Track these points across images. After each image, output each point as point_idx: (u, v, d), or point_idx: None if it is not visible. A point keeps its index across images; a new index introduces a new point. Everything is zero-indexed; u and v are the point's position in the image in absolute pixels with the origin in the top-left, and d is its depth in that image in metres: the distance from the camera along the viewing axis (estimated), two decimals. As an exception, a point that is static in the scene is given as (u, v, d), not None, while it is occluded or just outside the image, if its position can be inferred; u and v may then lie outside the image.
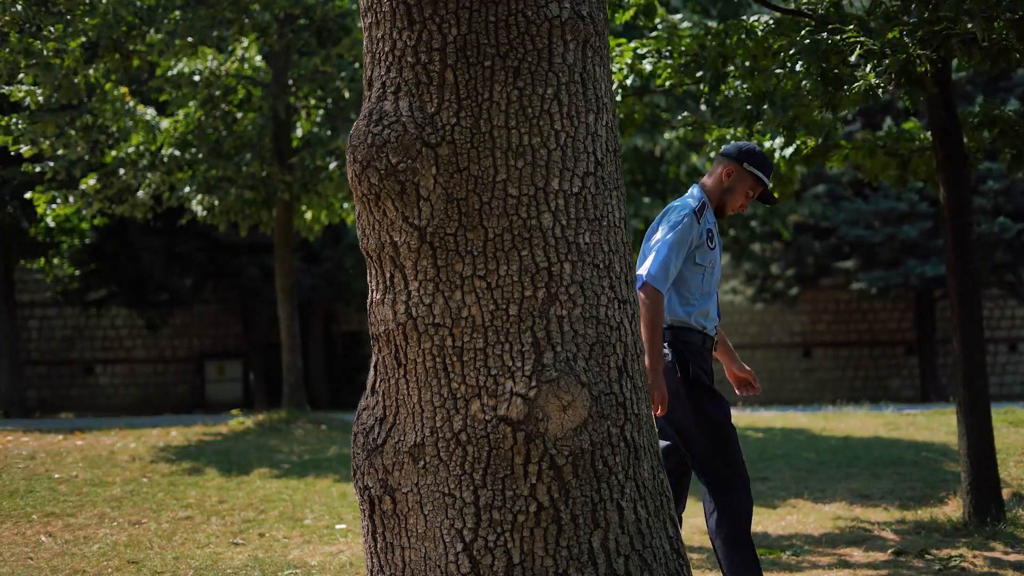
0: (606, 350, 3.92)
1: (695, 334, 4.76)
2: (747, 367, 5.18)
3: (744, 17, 7.65)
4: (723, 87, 7.98)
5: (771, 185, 4.84)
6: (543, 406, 3.79)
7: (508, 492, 3.79)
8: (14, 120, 13.12)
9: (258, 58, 15.17)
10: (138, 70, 14.07)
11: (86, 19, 12.26)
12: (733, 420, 4.99)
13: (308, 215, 15.66)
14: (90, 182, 14.34)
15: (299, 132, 15.46)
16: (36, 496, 8.43)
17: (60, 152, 13.66)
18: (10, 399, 20.10)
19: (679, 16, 9.03)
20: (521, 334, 3.82)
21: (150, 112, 14.61)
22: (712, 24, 9.21)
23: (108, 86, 13.64)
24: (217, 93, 14.28)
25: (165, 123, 14.52)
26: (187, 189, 14.52)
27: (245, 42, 14.91)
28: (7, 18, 11.04)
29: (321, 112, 15.31)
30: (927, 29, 6.39)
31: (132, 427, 13.86)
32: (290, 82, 14.97)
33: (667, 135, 18.80)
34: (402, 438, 3.91)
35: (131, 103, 14.34)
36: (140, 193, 14.47)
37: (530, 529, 3.78)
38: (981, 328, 7.28)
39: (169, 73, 14.53)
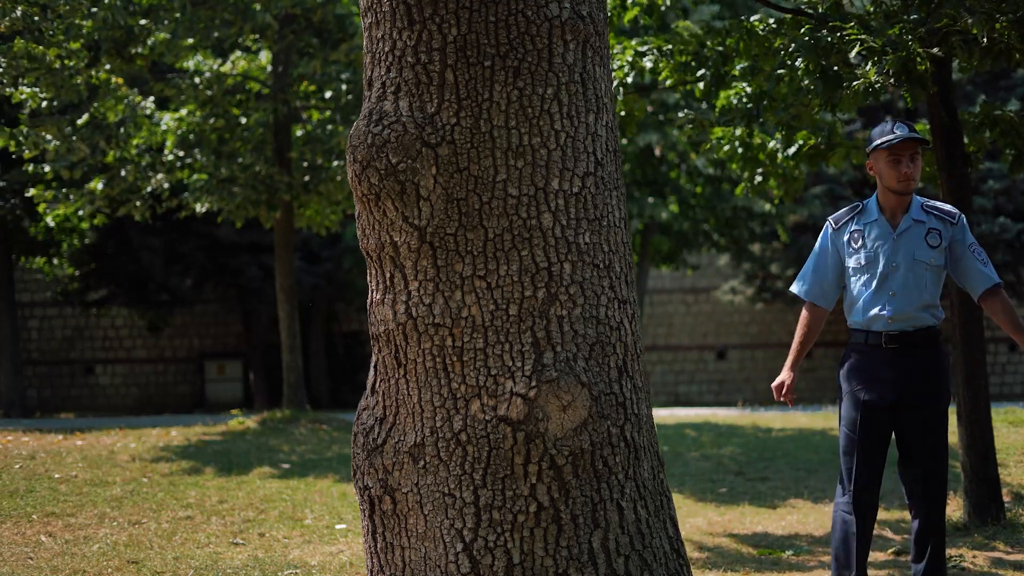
0: (606, 350, 3.92)
1: (859, 334, 4.91)
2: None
3: (744, 17, 7.65)
4: (726, 92, 7.99)
5: (904, 134, 4.86)
6: (543, 406, 3.79)
7: (508, 492, 3.79)
8: (19, 129, 13.18)
9: (263, 55, 15.19)
10: (140, 69, 14.07)
11: (85, 22, 12.27)
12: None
13: (314, 214, 15.64)
14: (99, 185, 14.35)
15: (304, 129, 15.47)
16: (36, 496, 8.43)
17: (62, 154, 13.68)
18: (10, 399, 20.09)
19: (690, 28, 9.00)
20: (521, 334, 3.82)
21: (150, 104, 14.61)
22: (718, 24, 9.20)
23: (108, 77, 13.65)
24: (213, 94, 14.27)
25: (167, 118, 14.52)
26: (189, 192, 14.53)
27: (252, 42, 14.93)
28: (7, 23, 11.05)
29: (327, 113, 15.32)
30: (928, 26, 6.38)
31: (132, 427, 13.85)
32: (291, 82, 14.98)
33: (674, 132, 18.79)
34: (402, 438, 3.91)
35: (132, 96, 14.35)
36: (148, 190, 14.49)
37: (530, 529, 3.78)
38: (981, 328, 7.27)
39: (175, 72, 14.55)
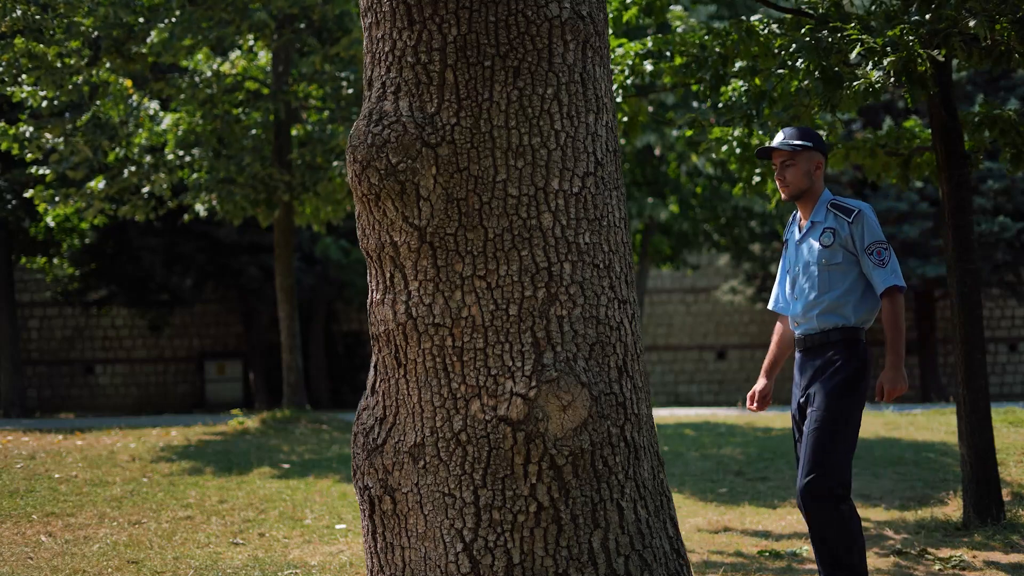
0: (606, 350, 3.92)
1: None
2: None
3: (744, 17, 7.65)
4: (724, 88, 7.99)
5: (766, 144, 5.06)
6: (543, 406, 3.79)
7: (508, 492, 3.79)
8: (22, 129, 13.20)
9: (262, 55, 15.21)
10: (141, 68, 14.08)
11: (85, 20, 12.28)
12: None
13: (313, 211, 15.64)
14: (100, 185, 14.36)
15: (301, 131, 15.48)
16: (36, 496, 8.43)
17: (65, 155, 13.70)
18: (10, 399, 20.09)
19: (684, 19, 9.01)
20: (521, 334, 3.82)
21: (154, 106, 14.63)
22: (718, 25, 9.22)
23: (112, 78, 13.67)
24: (213, 94, 14.27)
25: (168, 119, 14.54)
26: (190, 192, 14.56)
27: (252, 41, 14.94)
28: (8, 22, 11.07)
29: (326, 113, 15.33)
30: (929, 27, 6.39)
31: (132, 427, 13.85)
32: (290, 81, 14.98)
33: (673, 133, 18.81)
34: (402, 438, 3.91)
35: (135, 97, 14.36)
36: (146, 189, 14.51)
37: (530, 529, 3.78)
38: (981, 328, 7.27)
39: (177, 74, 14.58)
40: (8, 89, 12.28)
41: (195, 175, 14.67)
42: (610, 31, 8.36)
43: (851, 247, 4.77)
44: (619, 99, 8.38)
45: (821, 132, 8.37)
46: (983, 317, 7.36)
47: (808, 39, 6.47)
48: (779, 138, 4.92)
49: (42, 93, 12.42)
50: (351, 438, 4.09)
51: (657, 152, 20.38)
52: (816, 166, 4.90)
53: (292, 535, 7.34)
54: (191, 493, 8.77)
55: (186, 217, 15.67)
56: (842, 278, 4.79)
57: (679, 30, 9.21)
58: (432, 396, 3.86)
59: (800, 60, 6.61)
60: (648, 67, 8.26)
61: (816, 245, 4.83)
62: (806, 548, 6.96)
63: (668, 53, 8.27)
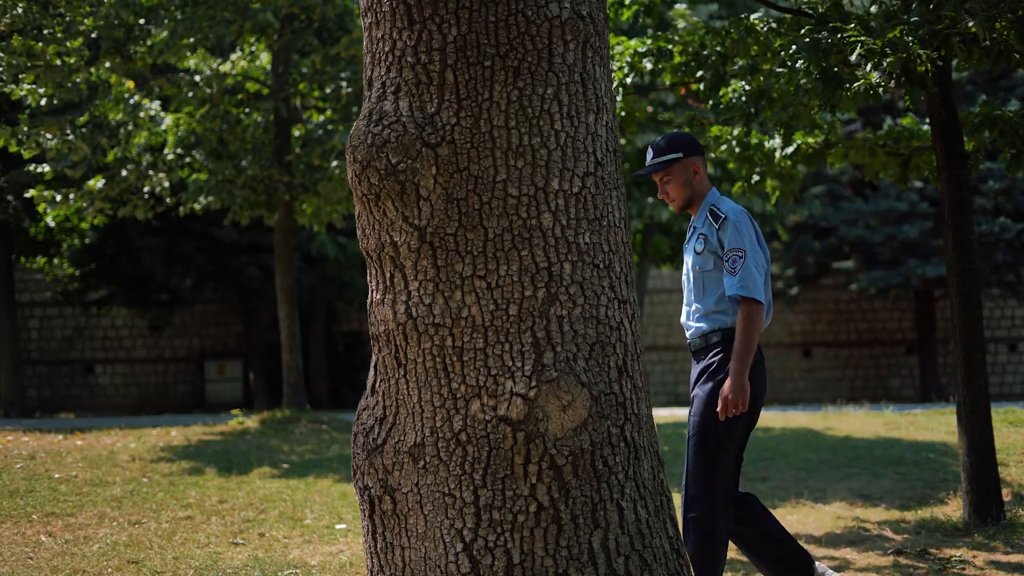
0: (606, 350, 3.92)
1: None
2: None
3: (744, 16, 7.65)
4: (724, 88, 7.99)
5: (645, 165, 5.01)
6: (543, 406, 3.79)
7: (508, 492, 3.79)
8: (21, 127, 13.21)
9: (264, 56, 15.21)
10: (141, 68, 14.09)
11: (86, 20, 12.29)
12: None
13: (314, 211, 15.65)
14: (99, 185, 14.35)
15: (302, 131, 15.49)
16: (36, 496, 8.43)
17: (64, 153, 13.70)
18: (10, 399, 20.09)
19: (686, 17, 8.99)
20: (521, 334, 3.82)
21: (155, 106, 14.63)
22: (718, 24, 9.22)
23: (113, 79, 13.68)
24: (214, 93, 14.27)
25: (168, 119, 14.54)
26: (188, 192, 14.56)
27: (253, 42, 14.95)
28: (7, 20, 11.07)
29: (328, 113, 15.34)
30: (928, 28, 6.39)
31: (132, 427, 13.85)
32: (290, 82, 14.99)
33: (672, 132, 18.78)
34: (402, 438, 3.91)
35: (136, 97, 14.37)
36: (146, 189, 14.52)
37: (530, 529, 3.78)
38: (981, 328, 7.28)
39: (179, 74, 14.60)
40: (8, 88, 12.28)
41: (194, 176, 14.68)
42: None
43: (720, 253, 4.68)
44: (618, 97, 8.38)
45: (820, 132, 8.36)
46: (983, 317, 7.36)
47: (808, 39, 6.47)
48: (649, 156, 4.83)
49: (41, 91, 12.43)
50: (351, 438, 4.09)
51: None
52: (694, 172, 4.79)
53: (292, 535, 7.34)
54: (191, 493, 8.77)
55: (181, 210, 15.65)
56: (716, 285, 4.69)
57: (681, 27, 9.18)
58: (432, 396, 3.86)
59: (800, 60, 6.61)
60: (648, 65, 8.26)
61: (693, 252, 4.78)
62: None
63: (668, 49, 8.26)
